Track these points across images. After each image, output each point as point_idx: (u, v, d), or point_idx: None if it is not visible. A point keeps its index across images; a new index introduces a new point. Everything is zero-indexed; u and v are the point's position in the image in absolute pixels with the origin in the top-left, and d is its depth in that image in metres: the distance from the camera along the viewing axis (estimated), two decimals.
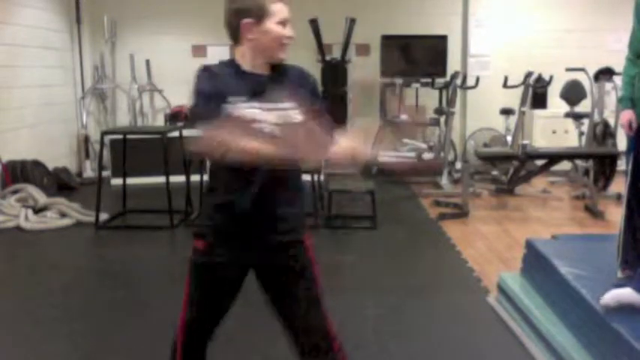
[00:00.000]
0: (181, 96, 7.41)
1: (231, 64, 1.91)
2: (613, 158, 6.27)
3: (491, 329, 3.32)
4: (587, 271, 3.02)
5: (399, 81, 7.82)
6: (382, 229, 5.26)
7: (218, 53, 6.98)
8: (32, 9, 7.09)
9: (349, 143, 1.80)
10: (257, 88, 1.84)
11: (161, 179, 5.52)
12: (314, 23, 7.48)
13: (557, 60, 7.31)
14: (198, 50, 8.01)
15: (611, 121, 6.56)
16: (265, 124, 1.83)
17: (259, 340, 3.06)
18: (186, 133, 5.86)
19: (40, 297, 3.83)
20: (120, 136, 5.93)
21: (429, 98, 7.94)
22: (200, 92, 1.84)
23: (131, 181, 5.96)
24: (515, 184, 6.42)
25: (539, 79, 7.20)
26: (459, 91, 7.38)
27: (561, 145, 7.36)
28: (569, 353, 2.71)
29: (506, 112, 7.52)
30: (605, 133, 6.59)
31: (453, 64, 7.96)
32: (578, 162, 6.77)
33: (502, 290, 3.56)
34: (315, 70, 7.45)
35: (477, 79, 7.20)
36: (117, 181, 6.36)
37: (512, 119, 7.36)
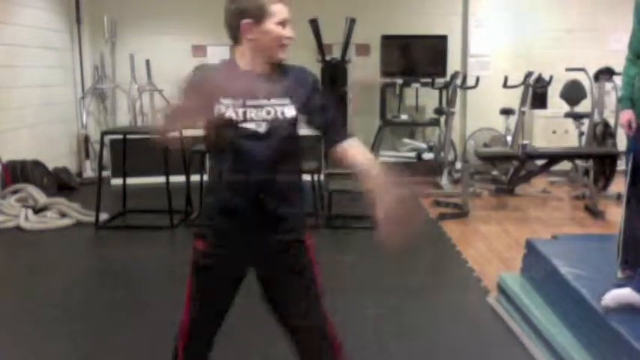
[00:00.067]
0: None
1: (230, 63, 1.92)
2: (613, 158, 6.27)
3: (491, 329, 3.32)
4: (587, 271, 3.02)
5: (399, 81, 7.82)
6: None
7: (218, 53, 6.98)
8: (32, 9, 7.09)
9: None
10: (251, 86, 1.85)
11: (161, 179, 5.52)
12: (314, 23, 7.48)
13: (557, 60, 7.31)
14: (198, 50, 8.01)
15: (611, 121, 6.56)
16: (254, 121, 1.84)
17: (259, 340, 3.06)
18: (186, 133, 5.85)
19: (40, 297, 3.83)
20: (120, 136, 5.93)
21: (429, 98, 7.94)
22: (182, 89, 1.83)
23: (131, 181, 5.96)
24: (515, 184, 6.42)
25: (539, 79, 7.19)
26: (459, 91, 7.37)
27: (561, 145, 7.36)
28: (569, 353, 2.71)
29: (506, 112, 7.52)
30: (605, 133, 6.59)
31: (453, 64, 7.95)
32: (578, 162, 6.77)
33: (502, 290, 3.56)
34: (315, 70, 7.42)
35: (477, 79, 7.20)
36: (117, 181, 6.36)
37: (512, 119, 7.36)
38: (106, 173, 6.54)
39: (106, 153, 6.87)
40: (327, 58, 7.74)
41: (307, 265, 1.98)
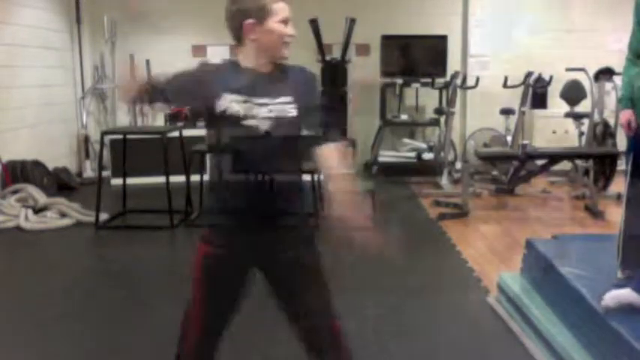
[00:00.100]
0: None
1: (232, 62, 1.93)
2: (613, 158, 6.27)
3: (491, 329, 3.32)
4: (587, 271, 3.02)
5: (399, 81, 7.82)
6: (382, 229, 5.25)
7: (218, 53, 6.99)
8: (32, 9, 7.09)
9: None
10: (254, 84, 1.85)
11: (161, 179, 5.52)
12: (314, 23, 7.48)
13: (557, 60, 7.30)
14: (198, 50, 8.00)
15: (611, 121, 6.56)
16: (257, 119, 1.84)
17: (259, 340, 3.06)
18: (186, 133, 5.87)
19: (40, 297, 3.83)
20: (120, 136, 5.93)
21: (429, 98, 7.93)
22: (178, 74, 1.92)
23: (131, 181, 5.96)
24: (515, 184, 6.41)
25: (539, 79, 7.19)
26: (459, 91, 7.38)
27: (561, 145, 7.35)
28: (569, 353, 2.71)
29: (506, 112, 7.52)
30: (605, 133, 6.59)
31: (453, 64, 7.95)
32: (578, 162, 6.77)
33: (502, 290, 3.56)
34: (315, 70, 7.42)
35: (477, 79, 7.20)
36: (117, 181, 6.36)
37: (512, 119, 7.36)
38: (106, 173, 6.53)
39: (106, 153, 6.87)
40: (327, 58, 7.74)
41: (312, 262, 1.99)
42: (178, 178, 5.49)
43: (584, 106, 7.14)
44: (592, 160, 6.33)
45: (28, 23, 6.95)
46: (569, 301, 2.90)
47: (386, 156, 7.80)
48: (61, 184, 6.79)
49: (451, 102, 7.12)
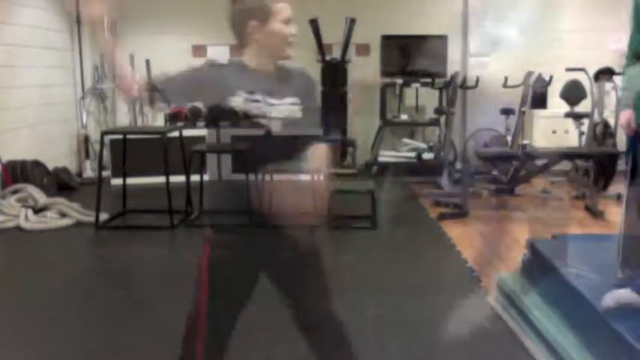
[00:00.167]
0: None
1: (238, 63, 1.94)
2: (613, 158, 6.27)
3: (491, 329, 3.32)
4: (587, 271, 3.02)
5: (399, 81, 7.82)
6: (382, 229, 5.26)
7: (218, 53, 6.99)
8: (32, 9, 7.09)
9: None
10: (262, 84, 1.86)
11: (161, 179, 5.51)
12: (314, 23, 7.48)
13: (557, 60, 7.30)
14: (198, 50, 8.01)
15: (611, 121, 6.56)
16: (267, 118, 1.86)
17: (259, 340, 3.05)
18: (186, 133, 5.87)
19: (40, 297, 3.83)
20: (120, 136, 5.93)
21: (429, 98, 7.93)
22: (185, 72, 1.94)
23: (131, 181, 5.95)
24: (515, 184, 6.41)
25: (539, 79, 7.19)
26: (459, 91, 7.37)
27: (561, 145, 7.35)
28: (569, 353, 2.71)
29: (506, 112, 7.51)
30: (605, 133, 6.58)
31: (453, 64, 7.95)
32: (578, 162, 6.77)
33: (502, 290, 3.56)
34: (315, 70, 7.45)
35: (477, 79, 7.20)
36: (117, 181, 6.36)
37: (512, 119, 7.35)
38: (106, 173, 6.53)
39: (106, 153, 6.86)
40: (327, 58, 7.74)
41: (315, 259, 2.01)
42: (178, 178, 5.48)
43: (584, 106, 7.14)
44: (592, 160, 6.33)
45: (28, 23, 6.95)
46: (569, 301, 2.90)
47: (386, 156, 7.80)
48: (61, 184, 6.79)
49: (451, 102, 7.12)
